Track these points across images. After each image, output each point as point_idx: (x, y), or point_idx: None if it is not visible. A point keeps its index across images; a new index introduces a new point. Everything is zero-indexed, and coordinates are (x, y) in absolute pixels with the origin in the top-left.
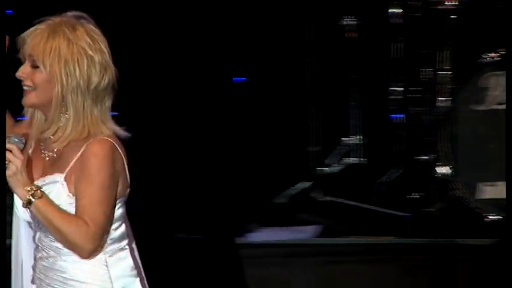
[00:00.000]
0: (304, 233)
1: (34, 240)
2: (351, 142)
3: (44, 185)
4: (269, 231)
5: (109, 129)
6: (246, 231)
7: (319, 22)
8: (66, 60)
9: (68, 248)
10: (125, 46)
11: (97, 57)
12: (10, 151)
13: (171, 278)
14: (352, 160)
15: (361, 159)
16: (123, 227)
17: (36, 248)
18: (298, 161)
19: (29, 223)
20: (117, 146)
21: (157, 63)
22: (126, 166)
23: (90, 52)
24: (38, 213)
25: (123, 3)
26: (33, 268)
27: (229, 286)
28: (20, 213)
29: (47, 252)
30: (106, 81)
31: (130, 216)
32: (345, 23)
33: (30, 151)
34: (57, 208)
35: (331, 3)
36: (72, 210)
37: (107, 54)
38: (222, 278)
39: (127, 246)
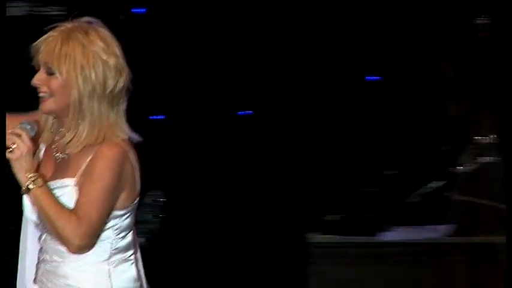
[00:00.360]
0: (437, 232)
1: (39, 241)
2: (485, 141)
3: (54, 188)
4: (403, 230)
5: (125, 133)
6: (381, 230)
7: (452, 21)
8: (82, 66)
9: (59, 241)
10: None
11: (112, 61)
12: (19, 135)
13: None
14: (486, 159)
15: (494, 157)
16: (129, 237)
17: (40, 250)
18: (431, 160)
19: (35, 224)
20: (128, 151)
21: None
22: (136, 173)
23: (105, 56)
24: (36, 202)
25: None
26: (36, 269)
27: (367, 284)
28: (28, 214)
29: (50, 256)
30: (121, 84)
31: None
32: (478, 22)
33: (41, 153)
34: (55, 200)
35: (464, 2)
36: None
37: (121, 58)
38: (359, 276)
39: (132, 257)
